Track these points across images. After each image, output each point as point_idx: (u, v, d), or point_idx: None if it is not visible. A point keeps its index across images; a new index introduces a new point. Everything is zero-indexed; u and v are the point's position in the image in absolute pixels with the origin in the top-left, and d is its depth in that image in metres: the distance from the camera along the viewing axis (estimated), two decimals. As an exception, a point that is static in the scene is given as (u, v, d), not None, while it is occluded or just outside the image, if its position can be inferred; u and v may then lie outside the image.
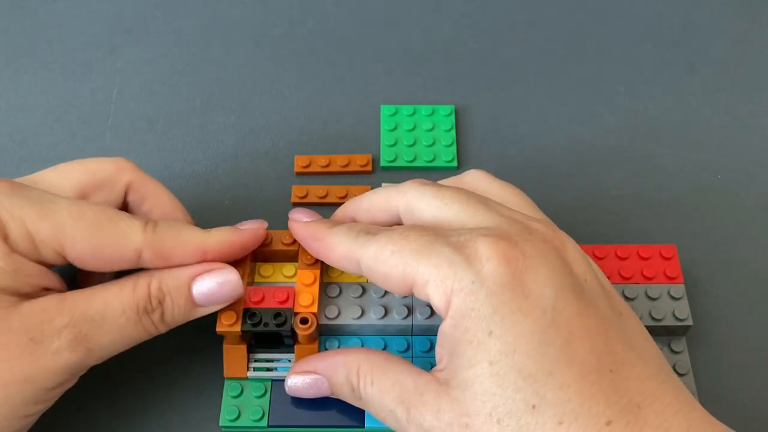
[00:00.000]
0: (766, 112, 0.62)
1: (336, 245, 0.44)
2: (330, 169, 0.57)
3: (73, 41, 0.66)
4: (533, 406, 0.36)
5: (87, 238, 0.42)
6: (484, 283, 0.39)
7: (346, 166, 0.57)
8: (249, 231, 0.47)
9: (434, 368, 0.41)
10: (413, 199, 0.45)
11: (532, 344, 0.37)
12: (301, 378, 0.45)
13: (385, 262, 0.42)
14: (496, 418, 0.37)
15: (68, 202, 0.43)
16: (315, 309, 0.46)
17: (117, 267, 0.44)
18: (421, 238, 0.41)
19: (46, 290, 0.42)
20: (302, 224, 0.47)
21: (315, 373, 0.45)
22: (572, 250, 0.42)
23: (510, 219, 0.42)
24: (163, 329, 0.44)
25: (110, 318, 0.42)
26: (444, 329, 0.40)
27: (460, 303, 0.39)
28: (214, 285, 0.44)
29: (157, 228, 0.44)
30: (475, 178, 0.48)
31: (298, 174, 0.58)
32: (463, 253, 0.40)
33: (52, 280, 0.43)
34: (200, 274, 0.44)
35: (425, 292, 0.40)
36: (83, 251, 0.42)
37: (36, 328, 0.40)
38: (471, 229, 0.41)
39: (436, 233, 0.42)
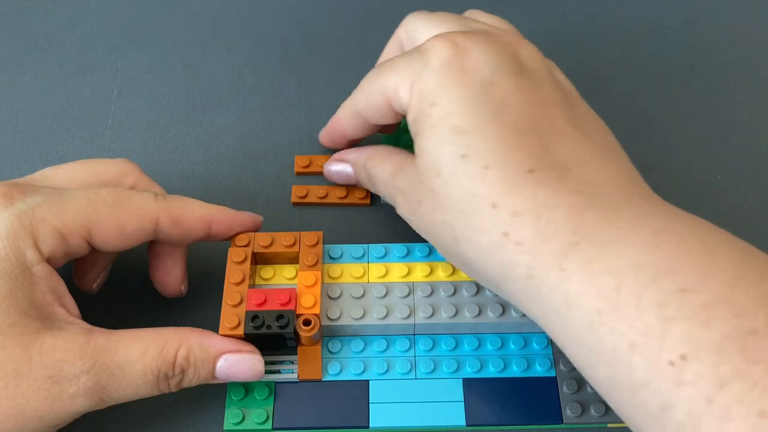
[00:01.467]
0: (767, 112, 0.62)
1: (341, 112, 0.54)
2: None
3: (73, 41, 0.66)
4: (463, 155, 0.42)
5: (110, 218, 0.44)
6: (431, 65, 0.45)
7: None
8: (248, 214, 0.50)
9: None
10: (411, 26, 0.52)
11: (466, 107, 0.43)
12: (335, 164, 0.55)
13: (370, 92, 0.49)
14: (437, 170, 0.43)
15: (82, 190, 0.44)
16: (317, 310, 0.46)
17: (137, 241, 0.46)
18: (392, 59, 0.49)
19: (62, 308, 0.43)
20: (324, 130, 0.58)
21: (344, 161, 0.54)
22: (528, 48, 0.47)
23: (474, 26, 0.49)
24: (174, 391, 0.44)
25: (129, 376, 0.42)
26: (408, 117, 0.46)
27: (416, 89, 0.45)
28: (242, 368, 0.45)
29: (167, 197, 0.47)
30: (472, 12, 0.54)
31: (298, 174, 0.58)
32: (419, 51, 0.46)
33: (68, 298, 0.44)
34: (230, 351, 0.45)
35: (398, 100, 0.47)
36: (109, 231, 0.44)
37: (55, 366, 0.40)
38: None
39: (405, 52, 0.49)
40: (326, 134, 0.57)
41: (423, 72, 0.45)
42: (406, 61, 0.46)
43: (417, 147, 0.45)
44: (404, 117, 0.48)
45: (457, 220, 0.42)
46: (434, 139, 0.43)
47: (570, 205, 0.40)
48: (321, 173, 0.57)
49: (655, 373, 0.35)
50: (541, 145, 0.42)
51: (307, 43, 0.67)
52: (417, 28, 0.51)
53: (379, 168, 0.49)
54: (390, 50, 0.55)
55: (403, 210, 0.47)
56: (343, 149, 0.56)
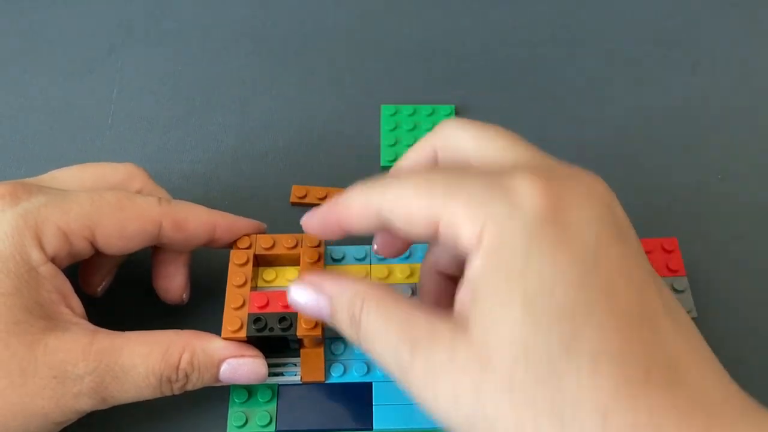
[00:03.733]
0: (767, 112, 0.62)
1: (352, 201, 0.40)
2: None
3: (73, 41, 0.66)
4: (567, 348, 0.33)
5: (113, 220, 0.44)
6: (521, 216, 0.35)
7: None
8: (252, 220, 0.49)
9: (454, 311, 0.37)
10: (452, 133, 0.41)
11: (571, 282, 0.34)
12: (305, 292, 0.41)
13: (408, 202, 0.38)
14: (524, 357, 0.33)
15: (86, 192, 0.45)
16: None
17: (140, 244, 0.46)
18: (451, 174, 0.38)
19: (67, 308, 0.43)
20: (313, 211, 0.43)
21: (321, 290, 0.40)
22: (617, 200, 0.38)
23: (555, 161, 0.39)
24: (177, 393, 0.44)
25: (132, 378, 0.42)
26: (472, 269, 0.35)
27: (493, 238, 0.35)
28: (245, 372, 0.45)
29: (170, 202, 0.47)
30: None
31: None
32: (499, 186, 0.36)
33: (73, 298, 0.44)
34: (233, 356, 0.44)
35: (453, 232, 0.36)
36: (111, 233, 0.44)
37: (60, 367, 0.40)
38: (511, 166, 0.38)
39: (467, 169, 0.39)
40: (317, 218, 0.43)
41: (509, 222, 0.35)
42: (480, 194, 0.36)
43: (485, 317, 0.34)
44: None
45: (549, 426, 0.32)
46: (526, 318, 0.33)
47: (690, 419, 0.32)
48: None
49: None
50: (652, 341, 0.34)
51: (307, 43, 0.66)
52: (466, 145, 0.41)
53: (380, 322, 0.38)
54: (415, 156, 0.44)
55: (429, 395, 0.35)
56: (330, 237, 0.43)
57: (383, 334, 0.37)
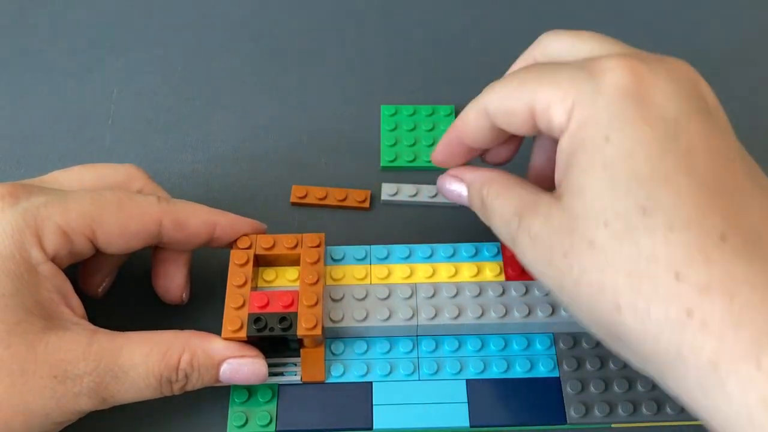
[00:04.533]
0: (767, 112, 0.62)
1: (466, 112, 0.46)
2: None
3: (73, 41, 0.66)
4: (644, 210, 0.35)
5: (114, 219, 0.44)
6: (605, 91, 0.38)
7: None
8: (252, 220, 0.49)
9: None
10: (549, 42, 0.45)
11: (650, 150, 0.36)
12: (451, 181, 0.48)
13: (508, 94, 0.42)
14: (603, 219, 0.36)
15: (86, 191, 0.45)
16: (319, 308, 0.46)
17: (140, 243, 0.46)
18: (544, 66, 0.42)
19: (67, 308, 0.43)
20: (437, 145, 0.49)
21: (461, 179, 0.47)
22: (706, 84, 0.40)
23: (646, 52, 0.41)
24: (177, 394, 0.44)
25: (132, 379, 0.42)
26: (561, 144, 0.39)
27: (580, 113, 0.38)
28: (245, 372, 0.45)
29: (170, 201, 0.47)
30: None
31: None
32: (587, 69, 0.39)
33: (73, 298, 0.44)
34: (234, 357, 0.44)
35: (547, 116, 0.40)
36: (112, 232, 0.44)
37: (59, 366, 0.41)
38: (600, 55, 0.40)
39: (560, 62, 0.42)
40: (444, 141, 0.49)
41: (594, 96, 0.38)
42: (569, 76, 0.39)
43: (572, 185, 0.38)
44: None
45: (625, 284, 0.35)
46: (607, 183, 0.36)
47: (766, 288, 0.33)
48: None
49: None
50: (731, 207, 0.35)
51: (307, 43, 0.66)
52: (562, 48, 0.44)
53: (499, 200, 0.43)
54: (518, 67, 0.47)
55: (531, 259, 0.40)
56: (456, 165, 0.49)
57: (500, 209, 0.43)
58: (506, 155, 0.49)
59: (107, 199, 0.45)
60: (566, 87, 0.39)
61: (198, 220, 0.47)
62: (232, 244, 0.48)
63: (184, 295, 0.50)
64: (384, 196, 0.56)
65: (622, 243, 0.35)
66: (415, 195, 0.56)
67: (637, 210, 0.35)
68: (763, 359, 0.32)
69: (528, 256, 0.40)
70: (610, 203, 0.36)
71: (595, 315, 0.37)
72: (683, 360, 0.34)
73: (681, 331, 0.34)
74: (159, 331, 0.44)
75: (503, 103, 0.43)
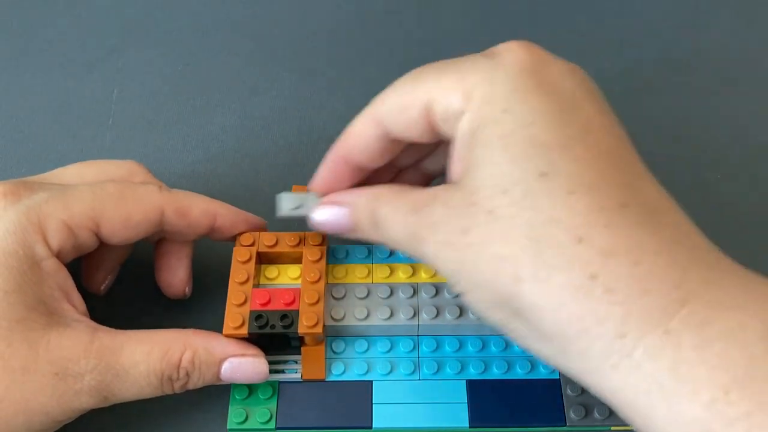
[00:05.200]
0: (766, 112, 0.62)
1: (352, 125, 0.44)
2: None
3: (73, 41, 0.66)
4: (543, 174, 0.35)
5: (116, 210, 0.44)
6: (504, 67, 0.38)
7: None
8: (252, 215, 0.49)
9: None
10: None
11: (549, 119, 0.36)
12: (327, 209, 0.44)
13: (403, 93, 0.41)
14: (503, 188, 0.35)
15: (87, 185, 0.45)
16: (321, 306, 0.46)
17: (144, 232, 0.46)
18: (440, 63, 0.41)
19: (69, 305, 0.43)
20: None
21: (341, 204, 0.44)
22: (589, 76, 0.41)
23: None
24: (178, 392, 0.44)
25: (133, 377, 0.42)
26: (461, 128, 0.38)
27: (478, 92, 0.38)
28: (246, 371, 0.45)
29: (171, 190, 0.47)
30: None
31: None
32: (486, 54, 0.39)
33: (75, 295, 0.44)
34: (234, 355, 0.44)
35: (445, 104, 0.39)
36: (115, 223, 0.44)
37: (61, 363, 0.40)
38: None
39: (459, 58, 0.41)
40: (325, 163, 0.46)
41: (493, 73, 0.38)
42: (467, 63, 0.39)
43: (472, 162, 0.37)
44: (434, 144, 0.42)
45: (526, 253, 0.34)
46: (505, 151, 0.36)
47: (670, 254, 0.33)
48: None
49: None
50: (628, 179, 0.36)
51: (307, 43, 0.67)
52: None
53: (391, 205, 0.41)
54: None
55: (433, 247, 0.38)
56: (339, 190, 0.46)
57: (393, 214, 0.40)
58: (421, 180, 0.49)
59: (109, 191, 0.45)
60: (464, 71, 0.39)
61: (199, 209, 0.47)
62: (233, 238, 0.48)
63: (186, 288, 0.50)
64: None
65: (521, 208, 0.35)
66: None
67: (536, 175, 0.35)
68: (672, 325, 0.32)
69: (430, 245, 0.38)
70: (509, 171, 0.35)
71: (494, 292, 0.36)
72: (587, 331, 0.33)
73: (585, 298, 0.33)
74: (160, 330, 0.44)
75: (397, 101, 0.41)
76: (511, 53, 0.38)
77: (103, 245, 0.46)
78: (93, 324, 0.43)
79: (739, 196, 0.57)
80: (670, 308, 0.32)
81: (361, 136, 0.44)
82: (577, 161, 0.35)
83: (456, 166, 0.39)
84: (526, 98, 0.37)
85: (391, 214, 0.41)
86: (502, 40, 0.65)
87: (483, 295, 0.37)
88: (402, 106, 0.41)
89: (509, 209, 0.35)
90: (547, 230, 0.34)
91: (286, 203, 0.47)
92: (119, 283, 0.51)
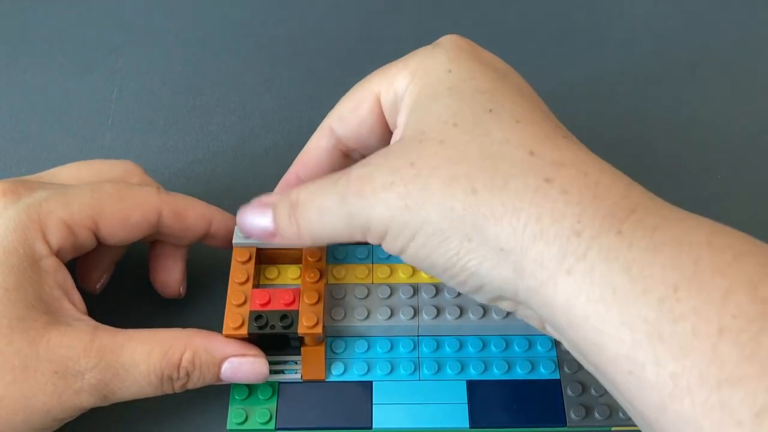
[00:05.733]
0: (767, 112, 0.62)
1: (308, 144, 0.47)
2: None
3: (73, 41, 0.66)
4: (490, 110, 0.37)
5: (115, 210, 0.44)
6: (443, 46, 0.41)
7: None
8: None
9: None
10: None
11: (490, 77, 0.39)
12: (251, 212, 0.44)
13: (355, 92, 0.44)
14: (453, 122, 0.37)
15: (86, 185, 0.45)
16: (321, 306, 0.46)
17: (141, 233, 0.46)
18: (387, 64, 0.43)
19: (69, 303, 0.43)
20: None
21: (265, 205, 0.43)
22: None
23: None
24: (178, 392, 0.44)
25: (133, 377, 0.42)
26: (406, 99, 0.41)
27: (423, 66, 0.40)
28: (247, 371, 0.45)
29: (169, 193, 0.47)
30: None
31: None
32: (428, 47, 0.42)
33: (75, 293, 0.44)
34: (235, 355, 0.44)
35: (393, 88, 0.41)
36: (114, 222, 0.44)
37: (61, 362, 0.40)
38: None
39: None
40: (280, 185, 0.48)
41: (433, 52, 0.41)
42: (411, 54, 0.42)
43: (417, 110, 0.39)
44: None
45: (480, 168, 0.35)
46: (453, 97, 0.38)
47: (614, 173, 0.36)
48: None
49: (753, 366, 0.29)
50: (564, 131, 0.39)
51: (307, 43, 0.67)
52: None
53: (315, 184, 0.41)
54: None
55: (371, 196, 0.37)
56: None
57: (319, 189, 0.40)
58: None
59: (107, 191, 0.45)
60: (408, 59, 0.42)
61: (195, 212, 0.47)
62: (227, 245, 0.48)
63: (181, 288, 0.50)
64: None
65: (472, 135, 0.36)
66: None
67: (484, 110, 0.37)
68: (624, 228, 0.33)
69: (368, 199, 0.38)
70: (459, 108, 0.37)
71: (445, 216, 0.36)
72: (545, 232, 0.34)
73: (543, 199, 0.34)
74: (161, 330, 0.44)
75: (347, 105, 0.44)
76: (449, 40, 0.42)
77: (99, 244, 0.46)
78: (93, 323, 0.43)
79: (739, 196, 0.57)
80: (621, 213, 0.33)
81: (315, 149, 0.46)
82: (518, 104, 0.38)
83: (399, 130, 0.41)
84: (466, 64, 0.40)
85: (316, 190, 0.40)
86: (500, 40, 0.66)
87: (433, 227, 0.36)
88: (352, 106, 0.44)
89: (461, 137, 0.37)
90: (500, 148, 0.36)
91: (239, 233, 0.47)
92: (114, 282, 0.51)
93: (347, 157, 0.46)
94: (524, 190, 0.34)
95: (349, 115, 0.44)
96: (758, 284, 0.30)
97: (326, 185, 0.40)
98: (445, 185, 0.36)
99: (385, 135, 0.44)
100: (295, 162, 0.48)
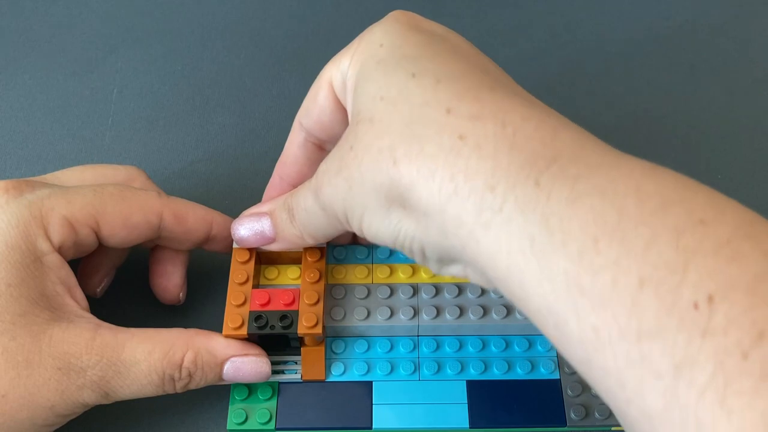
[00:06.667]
0: (766, 112, 0.62)
1: (287, 141, 0.48)
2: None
3: (73, 41, 0.66)
4: (413, 74, 0.37)
5: (117, 210, 0.44)
6: (381, 23, 0.41)
7: None
8: None
9: None
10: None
11: (422, 43, 0.39)
12: (248, 222, 0.46)
13: (312, 89, 0.44)
14: (379, 96, 0.37)
15: (89, 185, 0.45)
16: (321, 307, 0.46)
17: (142, 235, 0.46)
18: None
19: (72, 300, 0.43)
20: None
21: (260, 214, 0.46)
22: None
23: None
24: (180, 392, 0.44)
25: (134, 375, 0.42)
26: (348, 83, 0.41)
27: (360, 45, 0.41)
28: (248, 371, 0.45)
29: (170, 197, 0.47)
30: None
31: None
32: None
33: (77, 291, 0.44)
34: (237, 355, 0.45)
35: (340, 71, 0.42)
36: (115, 223, 0.44)
37: (63, 358, 0.41)
38: None
39: None
40: (267, 193, 0.50)
41: (371, 30, 0.41)
42: (358, 39, 0.42)
43: (356, 91, 0.40)
44: None
45: (401, 136, 0.35)
46: (380, 71, 0.38)
47: (540, 119, 0.34)
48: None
49: (672, 319, 0.28)
50: (497, 76, 0.38)
51: (307, 43, 0.67)
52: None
53: (304, 186, 0.43)
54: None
55: (333, 171, 0.39)
56: None
57: (304, 190, 0.42)
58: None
59: (110, 192, 0.45)
60: (354, 43, 0.42)
61: (196, 215, 0.47)
62: (228, 249, 0.48)
63: (181, 294, 0.50)
64: None
65: (396, 105, 0.36)
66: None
67: (407, 76, 0.37)
68: (543, 178, 0.32)
69: (328, 187, 0.40)
70: (384, 82, 0.37)
71: (380, 190, 0.37)
72: (459, 191, 0.34)
73: (456, 158, 0.34)
74: (162, 329, 0.44)
75: (309, 98, 0.45)
76: (390, 15, 0.41)
77: (100, 247, 0.46)
78: (96, 320, 0.43)
79: (739, 196, 0.57)
80: (540, 163, 0.32)
81: (290, 147, 0.48)
82: (445, 64, 0.37)
83: (349, 114, 0.41)
84: (400, 34, 0.39)
85: (299, 192, 0.43)
86: (500, 40, 0.66)
87: (373, 204, 0.38)
88: (312, 96, 0.44)
89: (386, 109, 0.37)
90: (419, 112, 0.36)
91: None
92: (115, 286, 0.51)
93: (322, 150, 0.47)
94: (438, 152, 0.34)
95: (311, 106, 0.45)
96: (683, 233, 0.29)
97: (305, 186, 0.42)
98: (374, 162, 0.36)
99: (345, 120, 0.43)
100: (277, 163, 0.49)
